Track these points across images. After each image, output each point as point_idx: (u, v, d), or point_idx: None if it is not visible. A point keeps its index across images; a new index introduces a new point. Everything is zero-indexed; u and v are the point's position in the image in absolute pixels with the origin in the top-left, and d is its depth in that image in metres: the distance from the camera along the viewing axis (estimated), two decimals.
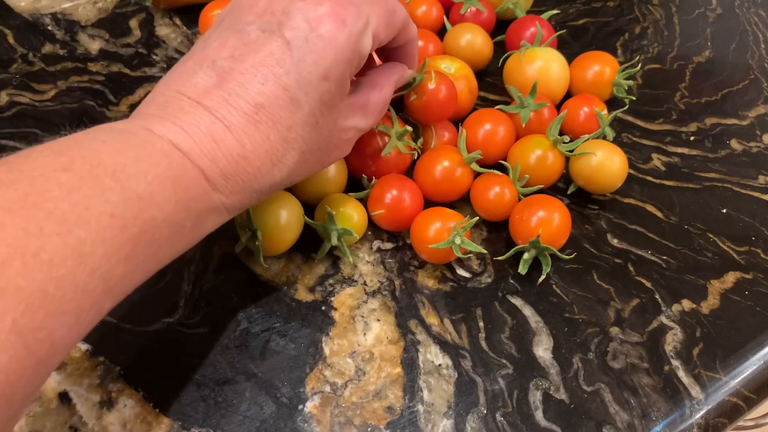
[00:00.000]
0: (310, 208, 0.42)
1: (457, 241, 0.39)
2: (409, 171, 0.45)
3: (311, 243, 0.42)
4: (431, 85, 0.42)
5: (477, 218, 0.40)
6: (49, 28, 0.54)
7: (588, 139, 0.45)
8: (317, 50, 0.30)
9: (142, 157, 0.27)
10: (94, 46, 0.54)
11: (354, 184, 0.44)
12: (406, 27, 0.36)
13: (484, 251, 0.41)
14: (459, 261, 0.42)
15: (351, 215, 0.40)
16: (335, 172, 0.42)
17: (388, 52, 0.39)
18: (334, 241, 0.40)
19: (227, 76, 0.30)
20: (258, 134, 0.30)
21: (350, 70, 0.32)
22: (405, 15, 0.36)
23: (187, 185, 0.28)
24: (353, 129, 0.35)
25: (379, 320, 0.40)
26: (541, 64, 0.48)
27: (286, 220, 0.40)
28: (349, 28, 0.31)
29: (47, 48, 0.53)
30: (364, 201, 0.43)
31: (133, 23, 0.56)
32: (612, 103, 0.51)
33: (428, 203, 0.43)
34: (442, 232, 0.39)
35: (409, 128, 0.43)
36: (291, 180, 0.33)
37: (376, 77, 0.37)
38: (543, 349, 0.39)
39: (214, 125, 0.29)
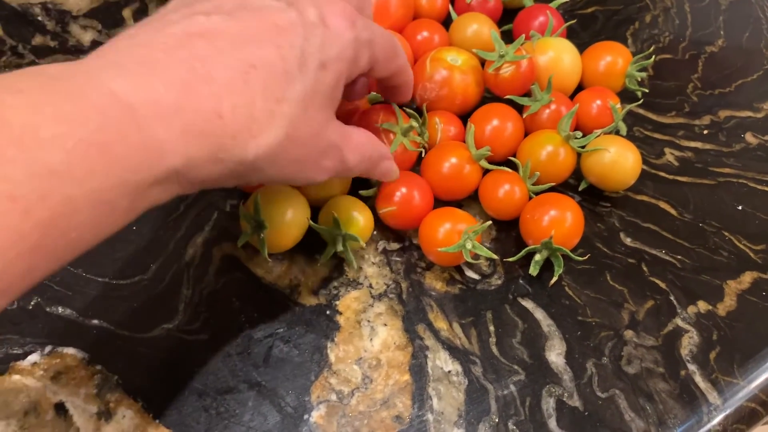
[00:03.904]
0: (313, 209, 0.40)
1: (468, 245, 0.38)
2: (415, 166, 0.43)
3: (314, 244, 0.40)
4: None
5: (489, 222, 0.39)
6: (40, 18, 0.52)
7: (600, 134, 0.43)
8: (323, 37, 0.28)
9: (65, 115, 0.21)
10: (87, 37, 0.52)
11: (360, 181, 0.42)
12: (403, 71, 0.36)
13: (495, 257, 0.39)
14: (468, 263, 0.41)
15: (357, 219, 0.38)
16: None
17: (384, 89, 0.39)
18: (339, 248, 0.38)
19: (218, 32, 0.26)
20: (244, 93, 0.25)
21: (346, 74, 0.30)
22: (405, 60, 0.36)
23: (125, 151, 0.22)
24: (332, 157, 0.31)
25: (385, 325, 0.38)
26: (552, 55, 0.46)
27: (293, 215, 0.38)
28: (357, 31, 0.30)
29: (38, 39, 0.51)
30: (372, 199, 0.41)
31: (127, 13, 0.53)
32: (622, 95, 0.49)
33: (435, 201, 0.42)
34: (452, 234, 0.38)
35: (415, 123, 0.41)
36: (262, 169, 0.28)
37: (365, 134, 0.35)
38: (556, 354, 0.38)
39: (189, 74, 0.24)
